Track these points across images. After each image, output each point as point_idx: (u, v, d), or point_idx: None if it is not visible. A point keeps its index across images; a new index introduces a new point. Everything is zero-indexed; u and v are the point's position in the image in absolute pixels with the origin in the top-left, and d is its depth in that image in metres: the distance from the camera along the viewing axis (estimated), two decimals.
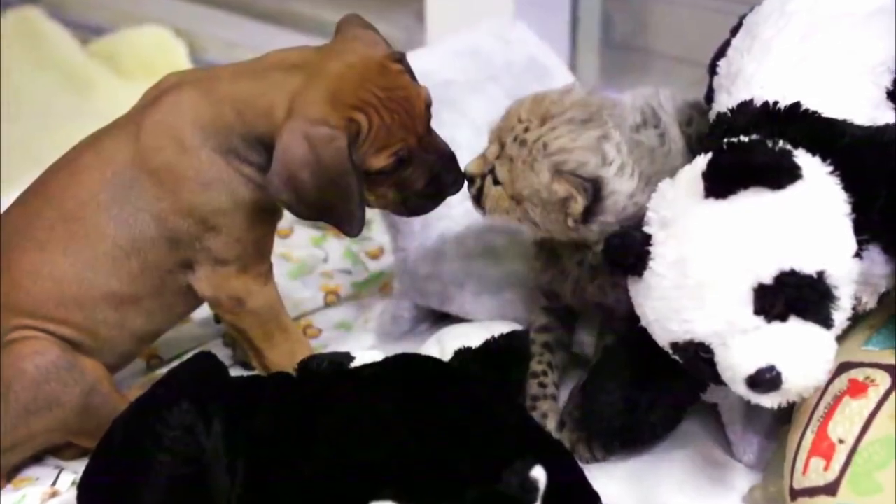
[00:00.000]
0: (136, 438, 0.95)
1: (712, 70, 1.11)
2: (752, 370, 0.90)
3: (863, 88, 1.00)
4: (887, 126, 0.99)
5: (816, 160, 0.94)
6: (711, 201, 0.93)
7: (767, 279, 0.90)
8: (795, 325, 0.90)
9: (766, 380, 0.90)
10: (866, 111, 0.99)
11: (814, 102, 0.98)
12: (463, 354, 1.06)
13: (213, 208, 1.06)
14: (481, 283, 1.21)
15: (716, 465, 1.07)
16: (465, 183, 1.09)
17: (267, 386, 1.01)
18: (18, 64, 1.99)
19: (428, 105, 1.06)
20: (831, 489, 0.91)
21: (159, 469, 0.93)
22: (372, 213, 1.23)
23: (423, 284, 1.24)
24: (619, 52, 1.81)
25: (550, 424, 1.08)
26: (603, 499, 0.92)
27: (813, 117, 0.98)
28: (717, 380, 0.95)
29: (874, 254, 0.96)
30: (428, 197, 1.08)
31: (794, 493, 0.94)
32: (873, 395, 0.94)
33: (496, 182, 1.06)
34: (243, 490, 0.93)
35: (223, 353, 1.24)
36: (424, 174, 1.06)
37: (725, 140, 0.97)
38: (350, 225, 1.04)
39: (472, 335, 1.10)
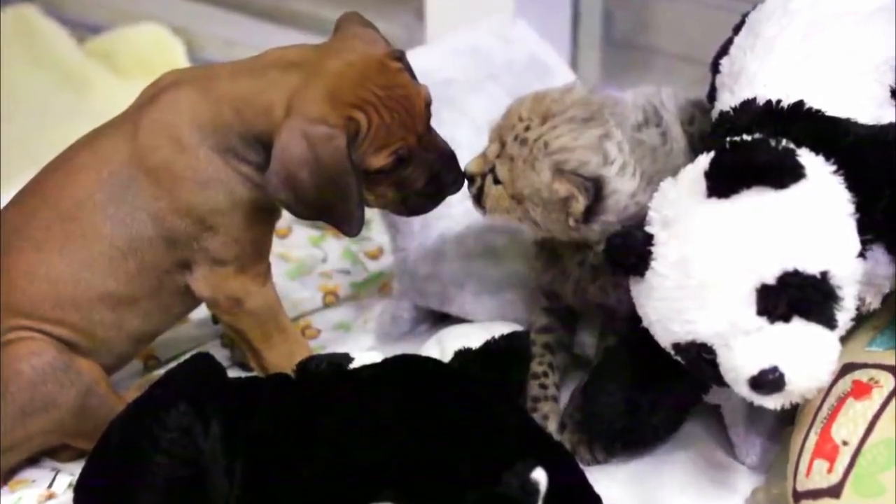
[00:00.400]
0: (133, 440, 0.95)
1: (714, 68, 1.10)
2: (754, 371, 0.90)
3: (866, 87, 1.00)
4: (891, 125, 0.99)
5: (820, 159, 0.94)
6: (714, 201, 0.92)
7: (770, 279, 0.89)
8: (799, 326, 0.90)
9: (769, 381, 0.90)
10: (870, 110, 0.99)
11: (817, 101, 0.98)
12: (463, 355, 1.06)
13: (210, 208, 1.05)
14: (481, 283, 1.21)
15: (718, 467, 1.07)
16: (465, 182, 1.08)
17: (265, 387, 1.01)
18: (14, 62, 1.98)
19: (428, 104, 1.05)
20: (835, 491, 0.91)
21: (156, 471, 0.93)
22: (371, 213, 1.22)
23: (422, 285, 1.24)
24: (620, 50, 1.81)
25: (551, 426, 1.08)
26: (604, 501, 0.92)
27: (816, 116, 0.97)
28: (720, 381, 0.94)
29: (878, 254, 0.96)
30: (428, 196, 1.07)
31: (798, 496, 0.94)
32: (877, 396, 0.94)
33: (496, 181, 1.05)
34: (241, 492, 0.93)
35: (221, 354, 1.23)
36: (424, 173, 1.06)
37: (728, 139, 0.97)
38: (349, 225, 1.04)
39: (472, 336, 1.10)
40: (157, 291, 1.09)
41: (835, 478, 0.91)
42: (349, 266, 1.41)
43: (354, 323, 1.32)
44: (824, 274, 0.90)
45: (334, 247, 1.43)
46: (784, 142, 0.94)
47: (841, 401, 0.95)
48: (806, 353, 0.90)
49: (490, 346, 1.07)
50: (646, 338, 0.97)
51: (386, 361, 1.02)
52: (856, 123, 0.97)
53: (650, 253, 0.95)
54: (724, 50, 1.10)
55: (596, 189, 1.01)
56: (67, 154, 1.11)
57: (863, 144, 0.96)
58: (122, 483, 0.94)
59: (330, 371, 1.02)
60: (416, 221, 1.22)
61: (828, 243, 0.91)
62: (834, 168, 0.94)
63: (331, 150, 1.00)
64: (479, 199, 1.07)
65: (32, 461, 1.12)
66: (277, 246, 1.26)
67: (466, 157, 1.08)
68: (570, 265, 1.09)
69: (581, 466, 0.96)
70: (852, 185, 0.93)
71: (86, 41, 2.08)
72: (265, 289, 1.12)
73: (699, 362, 0.94)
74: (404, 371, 1.00)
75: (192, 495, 0.94)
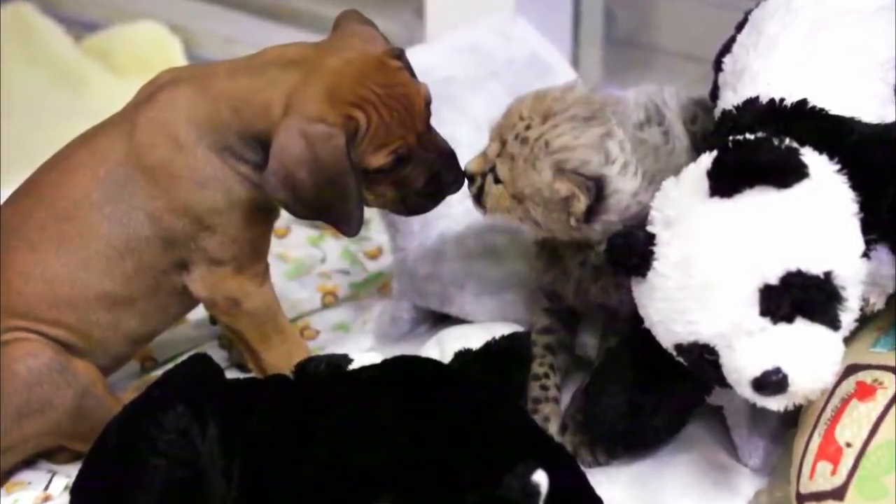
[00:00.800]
0: (130, 442, 0.95)
1: (717, 67, 1.10)
2: (757, 372, 0.90)
3: (870, 85, 1.00)
4: (895, 123, 0.98)
5: (823, 158, 0.93)
6: (716, 200, 0.92)
7: (773, 280, 0.89)
8: (802, 327, 0.90)
9: (772, 382, 0.89)
10: (874, 108, 0.98)
11: (821, 100, 0.97)
12: (463, 356, 1.06)
13: (208, 207, 1.05)
14: (482, 283, 1.20)
15: (721, 470, 1.06)
16: (466, 181, 1.07)
17: (264, 388, 1.01)
18: (11, 60, 1.97)
19: (427, 102, 1.05)
20: (839, 494, 0.90)
21: (154, 473, 0.93)
22: (370, 213, 1.21)
23: (422, 285, 1.23)
24: (622, 49, 1.80)
25: (552, 428, 1.07)
26: (606, 503, 0.91)
27: (820, 115, 0.97)
28: (723, 382, 0.94)
29: (882, 254, 0.96)
30: (427, 196, 1.07)
31: (801, 498, 0.93)
32: (881, 397, 0.93)
33: (497, 181, 1.05)
34: (239, 493, 0.93)
35: (219, 355, 1.22)
36: (424, 173, 1.05)
37: (731, 138, 0.96)
38: (348, 224, 1.03)
39: (472, 337, 1.10)
40: (155, 292, 1.08)
41: (838, 480, 0.90)
42: (348, 266, 1.40)
43: (353, 324, 1.32)
44: (828, 274, 0.90)
45: (333, 247, 1.43)
46: (787, 141, 0.93)
47: (845, 402, 0.94)
48: (809, 354, 0.90)
49: (490, 347, 1.06)
50: (648, 339, 0.97)
51: (385, 362, 1.02)
52: (860, 122, 0.97)
53: (652, 253, 0.94)
54: (726, 48, 1.09)
55: (597, 188, 1.00)
56: (64, 153, 1.10)
57: (867, 143, 0.95)
58: (119, 485, 0.94)
59: (329, 372, 1.01)
60: (416, 221, 1.22)
61: (831, 243, 0.91)
62: (838, 167, 0.93)
63: (329, 149, 0.99)
64: (479, 198, 1.07)
65: (28, 463, 1.11)
66: (276, 246, 1.26)
67: (467, 156, 1.07)
68: (571, 265, 1.08)
69: (582, 468, 0.96)
70: (856, 184, 0.93)
71: (83, 39, 2.07)
72: (263, 289, 1.11)
73: (702, 363, 0.93)
74: (404, 372, 1.00)
75: (189, 497, 0.93)
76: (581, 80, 1.10)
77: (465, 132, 1.22)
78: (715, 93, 1.10)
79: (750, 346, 0.90)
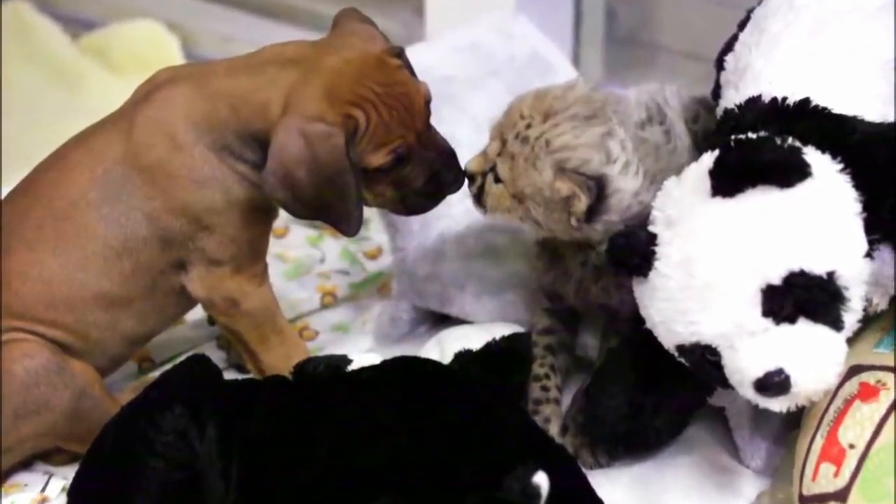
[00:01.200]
0: (127, 443, 0.94)
1: (719, 65, 1.09)
2: (760, 373, 0.89)
3: (873, 84, 0.99)
4: None
5: (826, 158, 0.93)
6: (718, 200, 0.92)
7: (776, 280, 0.89)
8: (805, 327, 0.89)
9: (774, 383, 0.89)
10: (877, 108, 0.98)
11: (823, 99, 0.97)
12: (463, 357, 1.05)
13: (206, 207, 1.04)
14: (482, 283, 1.20)
15: (723, 471, 1.06)
16: (466, 181, 1.07)
17: (262, 389, 1.01)
18: (8, 59, 1.97)
19: (427, 101, 1.04)
20: (841, 495, 0.90)
21: (151, 475, 0.93)
22: (370, 212, 1.21)
23: (422, 285, 1.23)
24: (623, 47, 1.80)
25: (553, 429, 1.07)
26: None
27: (822, 114, 0.96)
28: (725, 383, 0.94)
29: (885, 254, 0.95)
30: (427, 195, 1.06)
31: (804, 500, 0.93)
32: (884, 398, 0.93)
33: (497, 180, 1.04)
34: (238, 495, 0.93)
35: (217, 356, 1.22)
36: (424, 172, 1.05)
37: (733, 137, 0.96)
38: (347, 224, 1.03)
39: (472, 337, 1.09)
40: (152, 292, 1.08)
41: (841, 482, 0.90)
42: (347, 266, 1.40)
43: (353, 324, 1.31)
44: (831, 274, 0.89)
45: (332, 247, 1.42)
46: (790, 140, 0.93)
47: (847, 403, 0.94)
48: (812, 355, 0.90)
49: (491, 348, 1.06)
50: (649, 339, 0.97)
51: (385, 363, 1.02)
52: (862, 121, 0.96)
53: (654, 253, 0.94)
54: (728, 46, 1.09)
55: (598, 188, 1.00)
56: (61, 152, 1.10)
57: (870, 142, 0.95)
58: (117, 487, 0.94)
59: (328, 373, 1.01)
60: (416, 221, 1.21)
61: (834, 243, 0.91)
62: (840, 166, 0.93)
63: (329, 148, 0.98)
64: (479, 198, 1.07)
65: (25, 465, 1.11)
66: (274, 246, 1.25)
67: (467, 156, 1.07)
68: (572, 265, 1.08)
69: (583, 470, 0.96)
70: (859, 183, 0.92)
71: (80, 37, 2.06)
72: (262, 289, 1.11)
73: (703, 364, 0.93)
74: (403, 373, 0.99)
75: (187, 499, 0.93)
76: (582, 79, 1.09)
77: (465, 131, 1.22)
78: (717, 91, 1.09)
79: (752, 347, 0.90)
